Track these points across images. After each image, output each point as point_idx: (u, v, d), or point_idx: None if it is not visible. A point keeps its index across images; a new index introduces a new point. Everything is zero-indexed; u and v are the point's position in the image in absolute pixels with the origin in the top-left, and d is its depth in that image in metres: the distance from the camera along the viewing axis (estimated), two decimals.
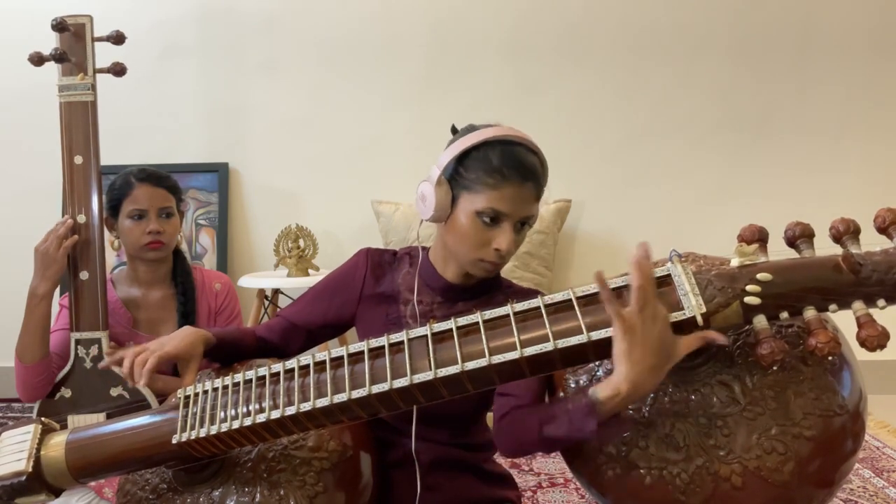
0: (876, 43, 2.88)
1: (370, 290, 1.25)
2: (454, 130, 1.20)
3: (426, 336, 0.92)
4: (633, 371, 0.83)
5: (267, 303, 2.76)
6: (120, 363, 1.13)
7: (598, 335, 0.85)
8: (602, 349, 0.87)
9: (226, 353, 1.23)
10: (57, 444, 1.01)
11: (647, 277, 0.82)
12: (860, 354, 0.88)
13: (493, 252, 1.11)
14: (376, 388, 0.90)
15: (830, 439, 0.85)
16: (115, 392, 1.58)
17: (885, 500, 1.92)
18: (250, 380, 0.99)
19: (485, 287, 1.22)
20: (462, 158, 1.12)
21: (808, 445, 0.84)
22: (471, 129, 1.15)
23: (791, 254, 0.87)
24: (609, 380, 0.87)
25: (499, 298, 1.20)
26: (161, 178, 1.71)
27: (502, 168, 1.08)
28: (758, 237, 0.88)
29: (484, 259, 1.13)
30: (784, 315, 0.83)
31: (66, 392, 1.60)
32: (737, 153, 2.95)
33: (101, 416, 1.57)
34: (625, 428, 0.94)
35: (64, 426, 1.55)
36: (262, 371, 0.99)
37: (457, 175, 1.12)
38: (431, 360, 0.90)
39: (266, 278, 2.70)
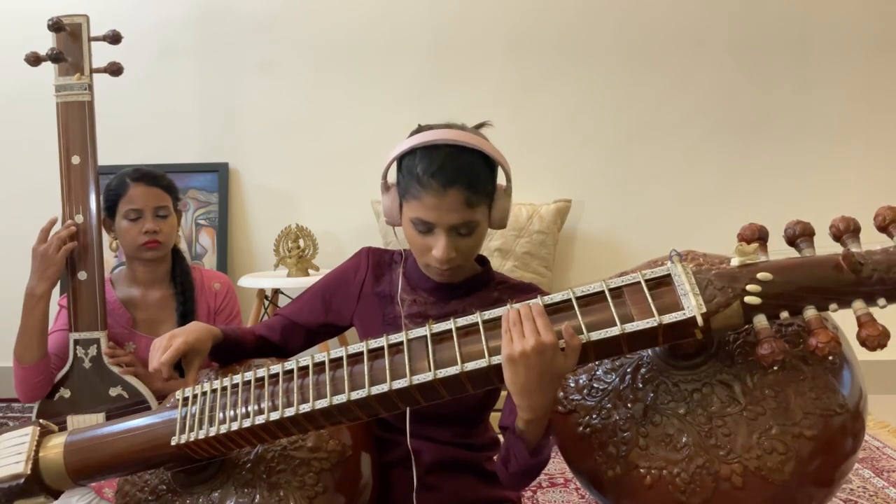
0: (876, 44, 2.87)
1: (369, 288, 1.25)
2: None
3: (425, 336, 0.92)
4: (523, 400, 0.88)
5: (267, 303, 2.75)
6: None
7: (598, 335, 0.85)
8: (602, 349, 0.87)
9: (228, 352, 1.22)
10: (55, 445, 1.01)
11: (528, 313, 0.87)
12: (860, 354, 0.87)
13: (434, 259, 1.10)
14: (375, 390, 0.90)
15: (831, 439, 0.85)
16: (114, 392, 1.58)
17: (885, 500, 1.92)
18: (249, 381, 0.99)
19: (476, 284, 1.21)
20: (399, 164, 1.13)
21: (809, 445, 0.84)
22: (417, 131, 1.14)
23: (791, 253, 0.87)
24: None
25: (493, 295, 1.19)
26: (156, 177, 1.70)
27: (422, 176, 1.06)
28: (758, 236, 0.88)
29: (430, 265, 1.13)
30: (784, 314, 0.83)
31: (65, 392, 1.59)
32: (737, 153, 2.94)
33: (101, 416, 1.57)
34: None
35: (63, 426, 1.55)
36: (261, 372, 0.99)
37: (399, 180, 1.13)
38: (431, 360, 0.89)
39: (266, 278, 2.70)
